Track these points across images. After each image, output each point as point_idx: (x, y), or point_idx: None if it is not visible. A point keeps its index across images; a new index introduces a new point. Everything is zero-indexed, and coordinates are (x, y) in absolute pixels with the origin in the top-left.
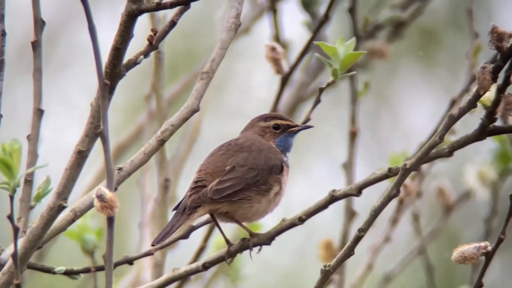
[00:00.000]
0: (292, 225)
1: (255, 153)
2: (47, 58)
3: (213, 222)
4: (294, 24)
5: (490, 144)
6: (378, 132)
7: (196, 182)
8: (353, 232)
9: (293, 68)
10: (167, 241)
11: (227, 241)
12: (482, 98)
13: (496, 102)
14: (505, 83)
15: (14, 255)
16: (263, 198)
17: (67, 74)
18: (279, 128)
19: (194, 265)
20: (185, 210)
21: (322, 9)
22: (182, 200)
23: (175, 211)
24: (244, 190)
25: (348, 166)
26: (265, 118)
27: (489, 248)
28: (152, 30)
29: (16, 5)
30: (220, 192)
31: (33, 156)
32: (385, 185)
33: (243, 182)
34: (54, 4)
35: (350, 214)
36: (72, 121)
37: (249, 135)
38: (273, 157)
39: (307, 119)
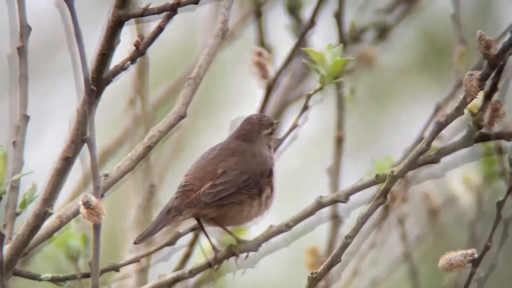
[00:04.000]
0: (279, 231)
1: (248, 157)
2: (35, 64)
3: (199, 228)
4: (279, 27)
5: (475, 148)
6: (364, 137)
7: (184, 186)
8: (339, 238)
9: (279, 73)
10: (154, 248)
11: (214, 248)
12: (469, 105)
13: (483, 109)
14: (492, 90)
15: None
16: (255, 202)
17: (54, 80)
18: (273, 133)
19: (180, 272)
20: (170, 211)
21: (307, 12)
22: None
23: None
24: (235, 194)
25: (333, 172)
26: (266, 124)
27: (476, 255)
28: (139, 36)
29: (6, 10)
30: (213, 196)
31: (19, 162)
32: (371, 190)
33: (235, 185)
34: (43, 8)
35: (336, 220)
36: (58, 127)
37: (254, 144)
38: (265, 162)
39: (295, 126)
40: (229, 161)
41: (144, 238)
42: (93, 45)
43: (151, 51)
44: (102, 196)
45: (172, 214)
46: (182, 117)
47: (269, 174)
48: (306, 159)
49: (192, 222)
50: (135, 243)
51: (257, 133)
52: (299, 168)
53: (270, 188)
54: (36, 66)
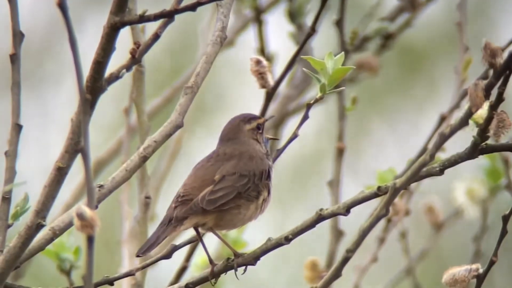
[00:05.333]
0: (278, 244)
1: (246, 159)
2: (28, 72)
3: (195, 241)
4: (280, 35)
5: (480, 160)
6: (365, 149)
7: (182, 196)
8: (339, 252)
9: (278, 82)
10: (149, 261)
11: (211, 261)
12: (474, 116)
13: (489, 119)
14: (498, 100)
15: None
16: (252, 204)
17: (48, 88)
18: (260, 128)
19: (176, 286)
20: (171, 221)
21: (308, 20)
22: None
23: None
24: (235, 199)
25: (334, 184)
26: (247, 119)
27: (481, 270)
28: (135, 43)
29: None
30: (213, 202)
31: (11, 172)
32: (373, 203)
33: (235, 190)
34: (38, 17)
35: (337, 234)
36: (51, 137)
37: (242, 141)
38: (263, 162)
39: (294, 136)
40: (226, 166)
41: (147, 250)
42: (92, 48)
43: (148, 59)
44: (96, 207)
45: (173, 224)
46: (179, 126)
47: (268, 176)
48: (306, 170)
49: (189, 235)
50: (137, 255)
51: (238, 129)
52: (299, 179)
53: (267, 191)
54: (31, 72)
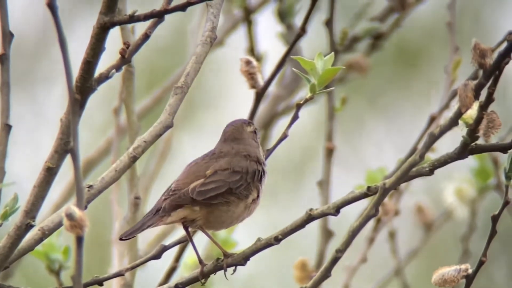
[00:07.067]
0: (267, 245)
1: (240, 157)
2: (21, 73)
3: (185, 242)
4: (269, 36)
5: (469, 160)
6: (355, 149)
7: (173, 190)
8: (329, 252)
9: (268, 83)
10: (138, 261)
11: (201, 261)
12: (464, 116)
13: (478, 120)
14: (488, 101)
15: None
16: (241, 202)
17: (40, 89)
18: (257, 132)
19: (166, 286)
20: (158, 211)
21: (298, 20)
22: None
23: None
24: (225, 194)
25: (324, 184)
26: (248, 123)
27: (470, 270)
28: (124, 43)
29: None
30: (203, 194)
31: (0, 173)
32: (363, 203)
33: (226, 185)
34: (31, 18)
35: (327, 234)
36: (42, 137)
37: (247, 142)
38: (258, 162)
39: (284, 136)
40: (220, 162)
41: (129, 234)
42: (82, 48)
43: (137, 59)
44: (85, 207)
45: (160, 214)
46: (168, 127)
47: (260, 178)
48: (296, 170)
49: (179, 235)
50: (120, 239)
51: (242, 129)
52: (289, 178)
53: (257, 193)
54: (21, 73)
